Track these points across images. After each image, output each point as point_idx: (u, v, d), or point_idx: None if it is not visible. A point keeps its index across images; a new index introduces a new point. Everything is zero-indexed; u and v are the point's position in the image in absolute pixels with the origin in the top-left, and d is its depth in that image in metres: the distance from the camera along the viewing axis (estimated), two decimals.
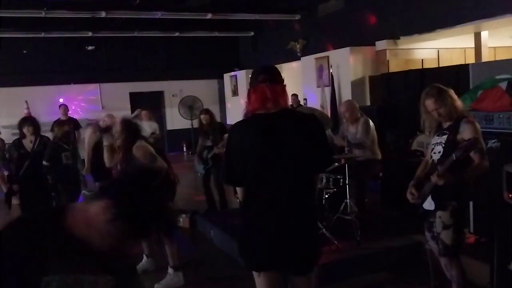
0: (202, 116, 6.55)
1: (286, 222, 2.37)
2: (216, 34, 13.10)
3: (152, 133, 8.23)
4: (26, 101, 11.57)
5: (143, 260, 4.66)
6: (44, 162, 5.29)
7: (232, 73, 13.55)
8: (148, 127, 8.24)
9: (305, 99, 10.18)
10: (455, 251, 3.13)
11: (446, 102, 3.08)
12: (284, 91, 2.50)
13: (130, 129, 4.23)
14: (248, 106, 2.50)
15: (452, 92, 3.14)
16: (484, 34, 7.84)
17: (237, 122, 2.57)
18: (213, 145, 6.37)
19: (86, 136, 6.45)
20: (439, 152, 3.11)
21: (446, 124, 3.15)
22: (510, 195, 3.09)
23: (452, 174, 2.89)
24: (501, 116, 3.91)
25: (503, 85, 4.01)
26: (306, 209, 2.46)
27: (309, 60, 9.87)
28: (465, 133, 2.97)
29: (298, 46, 11.04)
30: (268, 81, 2.44)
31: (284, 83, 2.53)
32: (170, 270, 4.35)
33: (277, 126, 2.40)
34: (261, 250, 2.43)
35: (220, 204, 6.65)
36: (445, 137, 3.11)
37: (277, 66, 12.88)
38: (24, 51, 12.57)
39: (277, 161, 2.38)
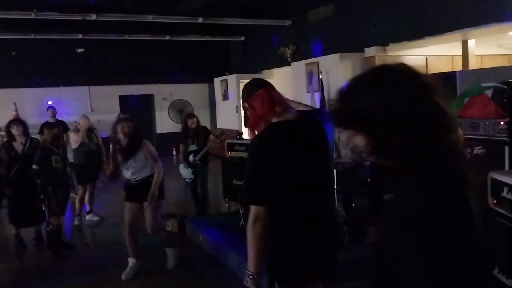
0: (189, 120, 6.60)
1: (327, 228, 2.34)
2: (207, 38, 13.12)
3: None
4: (15, 103, 11.46)
5: (131, 263, 4.60)
6: (34, 166, 5.25)
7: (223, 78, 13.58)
8: None
9: None
10: None
11: None
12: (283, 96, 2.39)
13: None
14: (255, 114, 2.28)
15: None
16: (471, 42, 7.96)
17: (257, 136, 2.30)
18: (198, 148, 6.43)
19: (72, 139, 6.59)
20: None
21: None
22: (495, 201, 3.15)
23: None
24: (486, 123, 3.97)
25: (489, 93, 4.07)
26: (333, 212, 2.58)
27: (299, 66, 9.93)
28: None
29: (288, 51, 11.11)
30: (267, 87, 2.35)
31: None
32: None
33: (303, 134, 2.27)
34: (310, 260, 2.29)
35: (204, 207, 6.64)
36: None
37: (267, 71, 12.80)
38: (13, 53, 12.50)
39: (314, 169, 2.27)
